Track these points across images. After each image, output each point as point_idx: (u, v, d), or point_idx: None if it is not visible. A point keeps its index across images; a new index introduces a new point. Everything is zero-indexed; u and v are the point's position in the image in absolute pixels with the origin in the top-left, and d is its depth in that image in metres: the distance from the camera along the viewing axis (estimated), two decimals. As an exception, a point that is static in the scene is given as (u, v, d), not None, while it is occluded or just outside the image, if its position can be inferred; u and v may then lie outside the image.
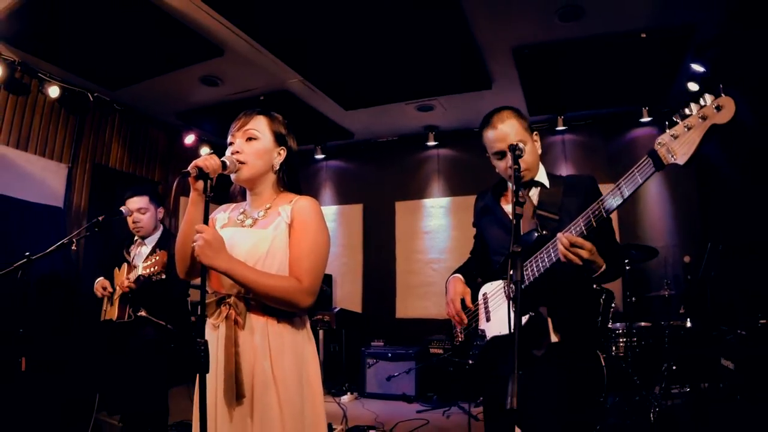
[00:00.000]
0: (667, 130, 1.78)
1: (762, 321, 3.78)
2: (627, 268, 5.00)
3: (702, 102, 1.73)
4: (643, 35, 4.62)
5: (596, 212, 1.90)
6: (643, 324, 5.07)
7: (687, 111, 1.77)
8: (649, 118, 6.34)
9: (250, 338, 1.86)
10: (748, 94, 1.70)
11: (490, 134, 2.29)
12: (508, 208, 2.36)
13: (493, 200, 2.47)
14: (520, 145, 2.15)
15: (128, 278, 3.64)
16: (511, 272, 1.72)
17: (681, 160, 1.73)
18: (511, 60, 5.24)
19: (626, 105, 6.39)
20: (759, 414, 3.53)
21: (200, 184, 1.84)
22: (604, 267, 1.99)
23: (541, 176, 2.33)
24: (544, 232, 2.11)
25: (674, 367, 4.64)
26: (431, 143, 7.53)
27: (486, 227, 2.50)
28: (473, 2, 4.22)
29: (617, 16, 4.42)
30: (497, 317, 2.25)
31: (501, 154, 2.26)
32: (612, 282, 2.24)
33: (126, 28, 4.46)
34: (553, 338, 2.13)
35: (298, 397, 1.86)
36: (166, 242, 3.94)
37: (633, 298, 5.14)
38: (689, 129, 1.73)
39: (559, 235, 1.95)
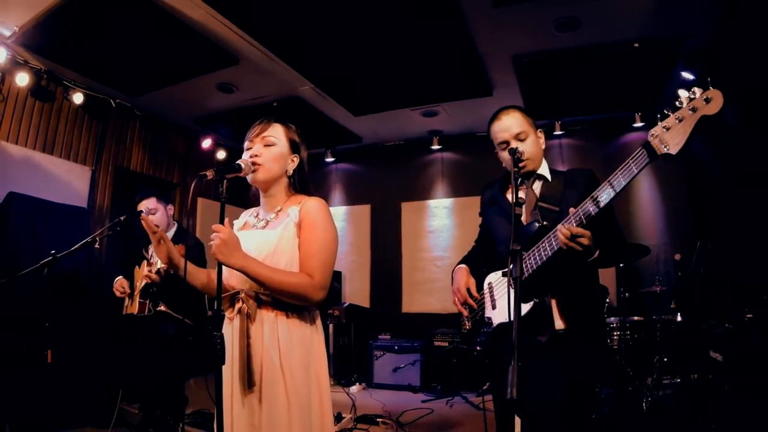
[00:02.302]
0: (659, 123, 1.79)
1: (748, 315, 3.77)
2: (620, 265, 4.98)
3: (692, 95, 1.74)
4: (636, 45, 4.63)
5: (596, 201, 1.90)
6: (636, 318, 5.06)
7: (677, 103, 1.78)
8: (641, 123, 6.36)
9: (260, 331, 1.89)
10: (734, 100, 1.70)
11: (496, 126, 2.33)
12: None
13: (500, 191, 2.47)
14: (520, 147, 2.20)
15: (150, 271, 3.64)
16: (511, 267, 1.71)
17: (674, 150, 1.75)
18: (511, 68, 5.24)
19: (620, 111, 6.38)
20: (745, 403, 3.53)
21: None
22: (597, 253, 1.99)
23: (544, 170, 2.35)
24: (544, 223, 2.11)
25: (665, 359, 4.63)
26: (435, 147, 7.55)
27: (492, 218, 2.50)
28: (475, 14, 4.23)
29: (611, 27, 4.43)
30: (502, 305, 2.26)
31: (505, 144, 2.28)
32: (611, 267, 2.22)
33: (147, 38, 4.50)
34: (558, 325, 2.13)
35: (305, 388, 1.89)
36: (182, 238, 3.95)
37: (626, 294, 5.13)
38: (681, 121, 1.75)
39: (559, 226, 1.95)
